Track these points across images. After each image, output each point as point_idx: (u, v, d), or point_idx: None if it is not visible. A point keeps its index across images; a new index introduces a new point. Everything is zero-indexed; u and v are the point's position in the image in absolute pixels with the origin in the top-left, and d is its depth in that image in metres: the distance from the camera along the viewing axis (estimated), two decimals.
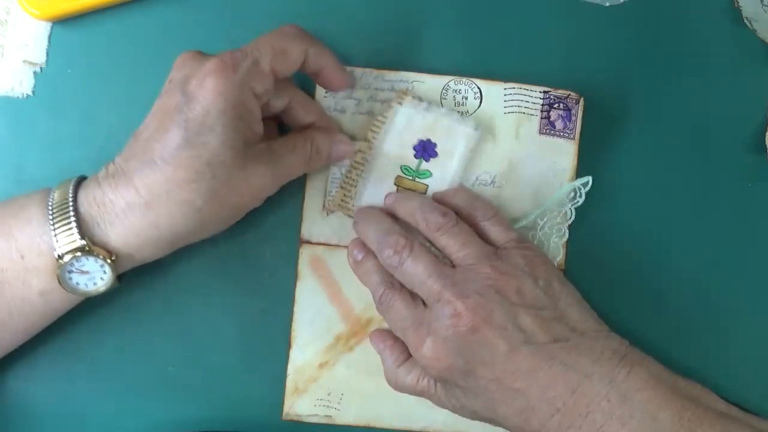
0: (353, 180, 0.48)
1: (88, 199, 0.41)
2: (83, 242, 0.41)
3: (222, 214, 0.43)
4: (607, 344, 0.42)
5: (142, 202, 0.40)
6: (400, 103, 0.48)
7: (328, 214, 0.48)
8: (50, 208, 0.41)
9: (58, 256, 0.41)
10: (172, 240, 0.42)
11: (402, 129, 0.48)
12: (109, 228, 0.41)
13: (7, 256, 0.41)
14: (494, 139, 0.48)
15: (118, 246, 0.41)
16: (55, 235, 0.41)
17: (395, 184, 0.48)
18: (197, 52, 0.43)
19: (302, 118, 0.46)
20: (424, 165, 0.48)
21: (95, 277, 0.42)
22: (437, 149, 0.48)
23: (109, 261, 0.41)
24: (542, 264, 0.44)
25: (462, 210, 0.46)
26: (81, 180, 0.43)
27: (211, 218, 0.42)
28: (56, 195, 0.42)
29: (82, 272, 0.42)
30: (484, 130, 0.48)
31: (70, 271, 0.42)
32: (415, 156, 0.48)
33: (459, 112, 0.48)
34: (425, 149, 0.48)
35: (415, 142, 0.48)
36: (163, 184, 0.40)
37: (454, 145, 0.48)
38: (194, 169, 0.40)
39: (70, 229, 0.41)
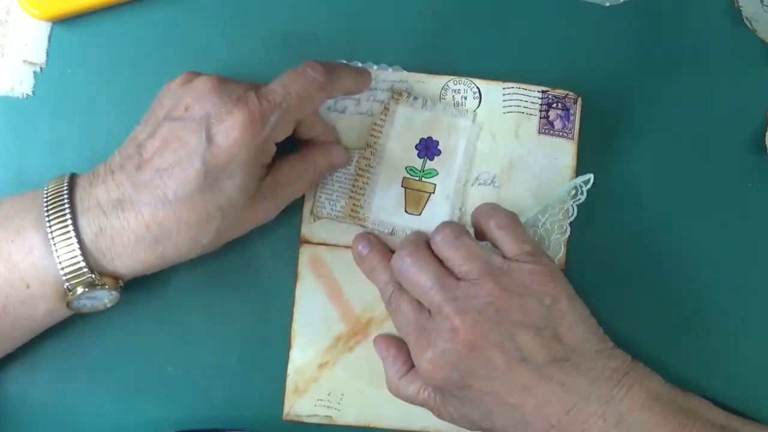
0: (361, 188, 0.48)
1: (92, 228, 0.41)
2: (92, 277, 0.41)
3: (222, 243, 0.44)
4: (607, 364, 0.42)
5: (152, 237, 0.41)
6: (397, 103, 0.48)
7: (315, 220, 0.48)
8: (51, 237, 0.40)
9: (68, 288, 0.41)
10: (174, 263, 0.43)
11: (402, 130, 0.48)
12: (116, 259, 0.41)
13: (11, 283, 0.41)
14: (494, 139, 0.48)
15: (124, 273, 0.42)
16: (62, 269, 0.40)
17: (403, 186, 0.48)
18: (219, 83, 0.42)
19: (306, 133, 0.46)
20: (429, 164, 0.48)
21: (103, 299, 0.43)
22: (440, 146, 0.48)
23: (116, 287, 0.42)
24: (551, 280, 0.42)
25: (481, 221, 0.45)
26: (71, 187, 0.42)
27: (213, 248, 0.44)
28: (53, 217, 0.41)
29: (90, 298, 0.42)
30: (484, 130, 0.48)
31: (79, 299, 0.42)
32: (419, 155, 0.48)
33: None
34: (428, 148, 0.48)
35: (416, 141, 0.48)
36: (174, 222, 0.41)
37: (456, 140, 0.48)
38: (207, 212, 0.41)
39: (78, 264, 0.40)
